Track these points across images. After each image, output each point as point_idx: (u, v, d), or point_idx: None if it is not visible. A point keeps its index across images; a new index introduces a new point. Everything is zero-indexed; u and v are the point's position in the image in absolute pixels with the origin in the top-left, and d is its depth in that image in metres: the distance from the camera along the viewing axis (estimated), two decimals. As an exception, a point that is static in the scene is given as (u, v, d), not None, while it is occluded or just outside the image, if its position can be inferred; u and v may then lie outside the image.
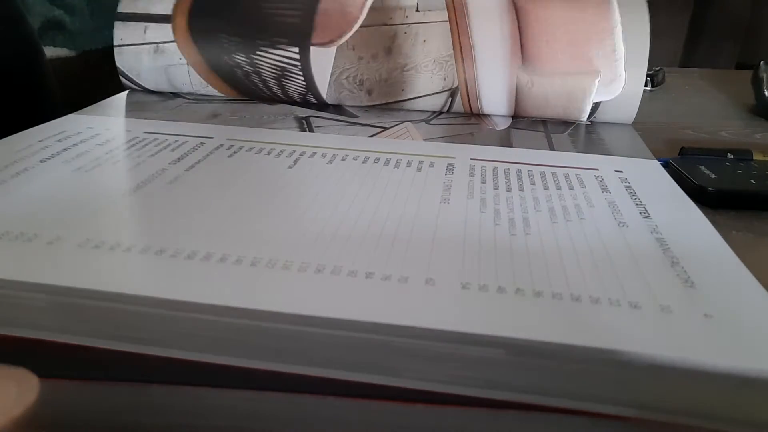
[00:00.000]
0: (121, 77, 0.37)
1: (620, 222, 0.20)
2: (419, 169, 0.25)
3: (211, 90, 0.36)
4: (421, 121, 0.32)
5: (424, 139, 0.29)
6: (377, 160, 0.25)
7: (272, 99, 0.36)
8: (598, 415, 0.14)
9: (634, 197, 0.22)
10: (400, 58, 0.34)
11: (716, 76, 0.58)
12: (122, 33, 0.36)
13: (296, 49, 0.34)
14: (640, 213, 0.21)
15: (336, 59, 0.34)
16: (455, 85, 0.34)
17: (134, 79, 0.37)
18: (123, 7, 0.36)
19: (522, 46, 0.33)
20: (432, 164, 0.25)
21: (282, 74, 0.35)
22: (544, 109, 0.34)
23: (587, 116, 0.34)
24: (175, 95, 0.36)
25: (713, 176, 0.28)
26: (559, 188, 0.23)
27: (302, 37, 0.34)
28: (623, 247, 0.18)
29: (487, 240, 0.18)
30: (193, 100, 0.36)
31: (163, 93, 0.37)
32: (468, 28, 0.34)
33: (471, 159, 0.26)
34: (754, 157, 0.31)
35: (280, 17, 0.34)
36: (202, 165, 0.24)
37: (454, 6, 0.34)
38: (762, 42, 1.65)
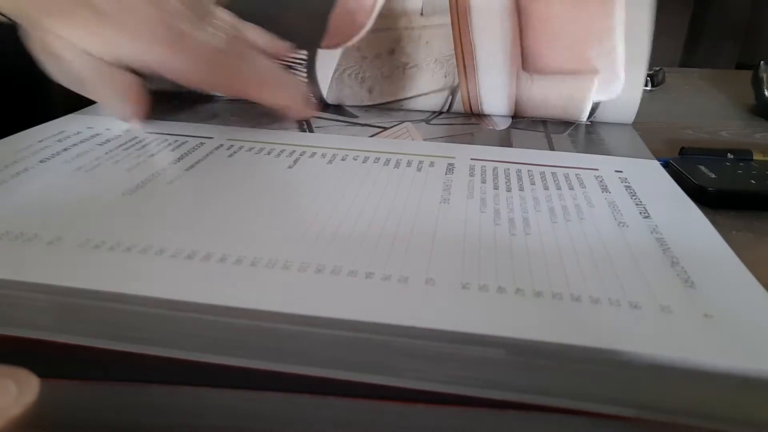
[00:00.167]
0: None
1: (620, 222, 0.20)
2: (419, 169, 0.25)
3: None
4: (421, 121, 0.32)
5: (424, 139, 0.29)
6: (377, 159, 0.25)
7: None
8: (598, 415, 0.14)
9: (634, 197, 0.22)
10: (403, 57, 0.34)
11: (716, 76, 0.58)
12: None
13: (305, 52, 0.35)
14: (640, 213, 0.21)
15: (340, 59, 0.35)
16: (456, 83, 0.34)
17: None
18: None
19: (523, 46, 0.34)
20: (432, 164, 0.25)
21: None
22: (544, 108, 0.34)
23: (587, 116, 0.34)
24: (175, 95, 0.36)
25: (713, 176, 0.28)
26: (559, 188, 0.23)
27: (312, 42, 0.35)
28: (623, 247, 0.18)
29: (487, 240, 0.18)
30: (192, 100, 0.36)
31: (164, 93, 0.37)
32: (470, 30, 0.34)
33: (471, 159, 0.26)
34: (754, 157, 0.31)
35: (292, 25, 0.35)
36: (202, 165, 0.24)
37: (457, 8, 0.34)
38: (762, 42, 1.65)
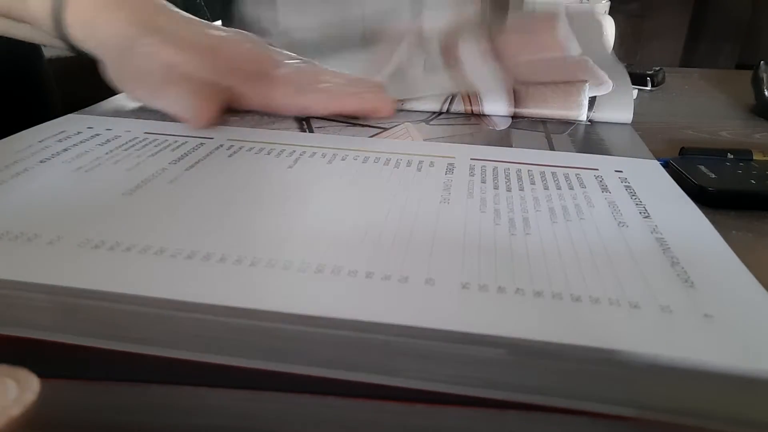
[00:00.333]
0: None
1: (620, 222, 0.20)
2: (419, 169, 0.25)
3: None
4: (421, 121, 0.32)
5: (424, 140, 0.29)
6: (377, 159, 0.25)
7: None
8: (598, 415, 0.14)
9: (634, 197, 0.22)
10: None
11: (716, 76, 0.58)
12: None
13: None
14: (640, 213, 0.21)
15: None
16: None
17: None
18: None
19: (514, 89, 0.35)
20: (432, 164, 0.25)
21: None
22: (543, 106, 0.34)
23: (586, 112, 0.34)
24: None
25: (713, 176, 0.28)
26: (559, 188, 0.23)
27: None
28: (623, 247, 0.18)
29: (487, 240, 0.18)
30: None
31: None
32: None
33: (471, 159, 0.26)
34: (754, 157, 0.31)
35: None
36: (202, 165, 0.24)
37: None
38: (762, 42, 1.65)
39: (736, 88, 0.52)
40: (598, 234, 0.19)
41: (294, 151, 0.26)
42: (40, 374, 0.13)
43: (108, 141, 0.27)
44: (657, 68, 0.53)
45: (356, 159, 0.26)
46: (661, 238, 0.19)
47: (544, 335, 0.14)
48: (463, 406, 0.14)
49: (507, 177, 0.24)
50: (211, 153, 0.26)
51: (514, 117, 0.34)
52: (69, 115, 0.31)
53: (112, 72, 0.31)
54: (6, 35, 0.33)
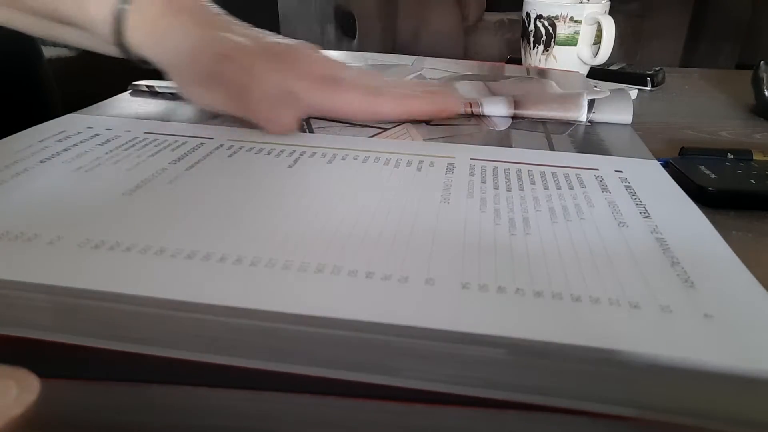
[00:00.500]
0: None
1: (620, 222, 0.20)
2: (419, 169, 0.25)
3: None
4: (421, 121, 0.32)
5: (424, 140, 0.29)
6: (377, 159, 0.25)
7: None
8: (598, 415, 0.14)
9: (634, 197, 0.22)
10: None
11: (716, 76, 0.58)
12: None
13: None
14: (640, 213, 0.21)
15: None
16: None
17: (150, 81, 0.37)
18: None
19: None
20: (432, 164, 0.25)
21: None
22: (542, 108, 0.34)
23: (586, 113, 0.34)
24: (175, 95, 0.36)
25: (713, 176, 0.28)
26: (559, 188, 0.23)
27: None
28: (623, 247, 0.18)
29: (487, 240, 0.18)
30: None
31: (164, 94, 0.37)
32: None
33: (471, 159, 0.26)
34: (754, 157, 0.31)
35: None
36: (202, 165, 0.24)
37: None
38: (762, 42, 1.65)
39: (736, 88, 0.52)
40: (598, 234, 0.19)
41: (294, 151, 0.26)
42: (40, 374, 0.13)
43: (108, 141, 0.27)
44: (657, 68, 0.53)
45: (356, 159, 0.26)
46: (661, 238, 0.19)
47: (544, 335, 0.14)
48: (463, 406, 0.14)
49: (507, 177, 0.24)
50: (211, 153, 0.26)
51: (514, 118, 0.34)
52: (69, 115, 0.31)
53: (180, 78, 0.30)
54: (55, 40, 0.34)
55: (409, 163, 0.25)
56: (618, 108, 0.34)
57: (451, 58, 0.49)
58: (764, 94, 0.43)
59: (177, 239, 0.18)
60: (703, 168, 0.29)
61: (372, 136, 0.29)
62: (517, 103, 0.34)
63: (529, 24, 0.51)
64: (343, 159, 0.25)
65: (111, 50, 0.32)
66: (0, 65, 0.42)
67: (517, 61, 0.56)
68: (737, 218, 0.26)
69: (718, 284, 0.16)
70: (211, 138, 0.28)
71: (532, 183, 0.23)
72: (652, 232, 0.19)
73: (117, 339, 0.15)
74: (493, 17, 1.71)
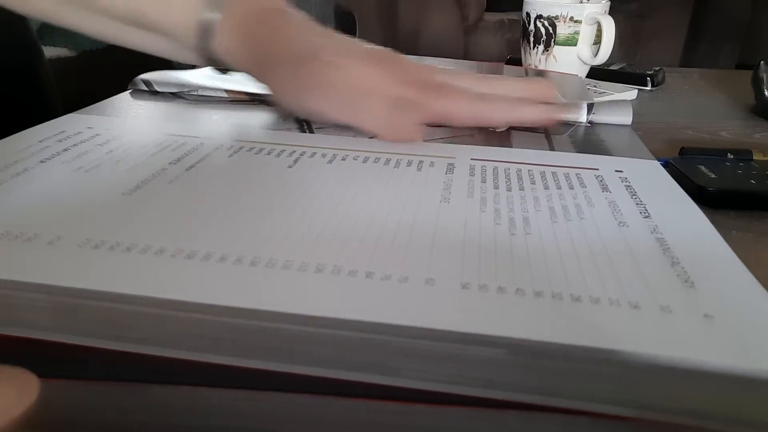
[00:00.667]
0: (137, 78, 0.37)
1: (620, 222, 0.20)
2: (419, 169, 0.25)
3: (214, 89, 0.36)
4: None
5: (424, 140, 0.29)
6: (377, 159, 0.25)
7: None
8: (598, 415, 0.14)
9: (634, 197, 0.22)
10: None
11: (716, 76, 0.58)
12: None
13: None
14: (641, 213, 0.21)
15: None
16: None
17: (149, 79, 0.37)
18: None
19: None
20: (432, 164, 0.25)
21: None
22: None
23: (586, 113, 0.34)
24: (175, 95, 0.36)
25: (713, 176, 0.28)
26: (559, 188, 0.23)
27: None
28: (623, 247, 0.18)
29: (487, 239, 0.18)
30: (193, 100, 0.36)
31: (164, 93, 0.37)
32: None
33: (471, 159, 0.26)
34: (754, 157, 0.31)
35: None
36: (202, 165, 0.24)
37: None
38: (762, 42, 1.66)
39: (736, 88, 0.52)
40: (598, 234, 0.19)
41: (294, 151, 0.26)
42: (40, 374, 0.13)
43: (108, 141, 0.27)
44: (657, 68, 0.53)
45: (356, 159, 0.26)
46: (661, 238, 0.19)
47: (544, 335, 0.14)
48: (463, 406, 0.14)
49: (507, 177, 0.24)
50: (211, 153, 0.26)
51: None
52: (69, 115, 0.31)
53: (278, 84, 0.30)
54: (125, 45, 0.33)
55: (409, 164, 0.25)
56: (618, 110, 0.34)
57: (451, 58, 0.49)
58: (764, 94, 0.43)
59: (177, 239, 0.18)
60: (703, 168, 0.29)
61: (372, 137, 0.29)
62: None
63: (529, 24, 0.51)
64: (343, 159, 0.25)
65: (190, 56, 0.31)
66: (0, 65, 0.42)
67: (517, 61, 0.56)
68: (737, 218, 0.26)
69: (719, 284, 0.16)
70: (211, 138, 0.28)
71: (533, 183, 0.23)
72: (652, 232, 0.19)
73: (117, 339, 0.15)
74: (493, 17, 1.72)
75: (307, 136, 0.29)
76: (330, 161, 0.25)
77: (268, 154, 0.26)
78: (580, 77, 0.47)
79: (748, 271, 0.17)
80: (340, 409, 0.15)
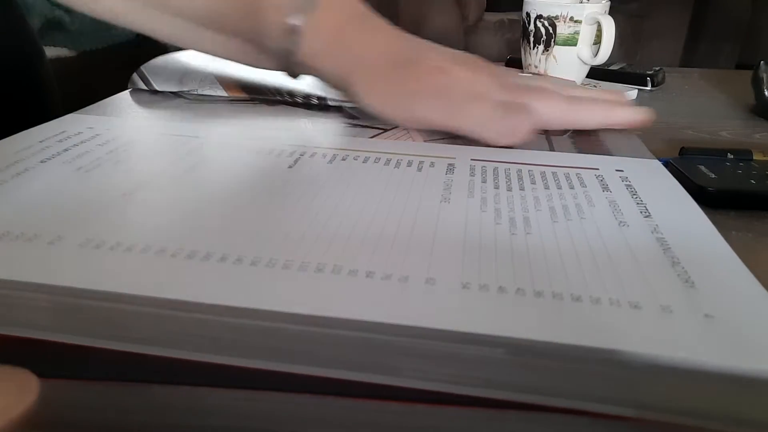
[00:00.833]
0: (135, 74, 0.37)
1: (621, 221, 0.20)
2: (420, 169, 0.25)
3: (214, 89, 0.36)
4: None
5: (425, 140, 0.29)
6: (378, 160, 0.25)
7: (275, 101, 0.36)
8: (598, 415, 0.14)
9: (635, 196, 0.22)
10: None
11: (716, 76, 0.58)
12: None
13: None
14: (641, 212, 0.21)
15: None
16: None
17: (148, 77, 0.37)
18: None
19: None
20: (432, 164, 0.25)
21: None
22: None
23: None
24: (176, 95, 0.36)
25: (713, 176, 0.28)
26: (559, 187, 0.23)
27: None
28: (624, 247, 0.18)
29: (488, 239, 0.18)
30: (193, 100, 0.36)
31: (164, 93, 0.37)
32: None
33: (471, 159, 0.26)
34: (754, 157, 0.31)
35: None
36: (203, 165, 0.24)
37: None
38: (762, 42, 1.65)
39: (736, 88, 0.52)
40: (598, 233, 0.19)
41: (294, 151, 0.26)
42: (40, 374, 0.13)
43: (108, 141, 0.27)
44: (657, 68, 0.53)
45: (356, 159, 0.26)
46: (661, 238, 0.19)
47: (544, 335, 0.14)
48: (463, 406, 0.14)
49: (507, 177, 0.24)
50: (211, 153, 0.26)
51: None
52: (69, 115, 0.31)
53: (372, 90, 0.29)
54: (197, 49, 0.32)
55: (409, 164, 0.25)
56: None
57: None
58: (764, 94, 0.43)
59: (177, 239, 0.18)
60: (703, 168, 0.29)
61: (372, 137, 0.29)
62: None
63: (529, 24, 0.51)
64: (343, 159, 0.25)
65: (267, 62, 0.30)
66: (0, 65, 0.42)
67: (517, 60, 0.56)
68: (737, 218, 0.26)
69: (719, 284, 0.16)
70: (212, 138, 0.28)
71: (533, 183, 0.23)
72: (652, 232, 0.19)
73: (117, 339, 0.15)
74: (493, 17, 1.71)
75: (307, 136, 0.29)
76: (330, 161, 0.25)
77: (269, 154, 0.26)
78: (575, 82, 0.46)
79: (748, 271, 0.17)
80: (340, 409, 0.15)
